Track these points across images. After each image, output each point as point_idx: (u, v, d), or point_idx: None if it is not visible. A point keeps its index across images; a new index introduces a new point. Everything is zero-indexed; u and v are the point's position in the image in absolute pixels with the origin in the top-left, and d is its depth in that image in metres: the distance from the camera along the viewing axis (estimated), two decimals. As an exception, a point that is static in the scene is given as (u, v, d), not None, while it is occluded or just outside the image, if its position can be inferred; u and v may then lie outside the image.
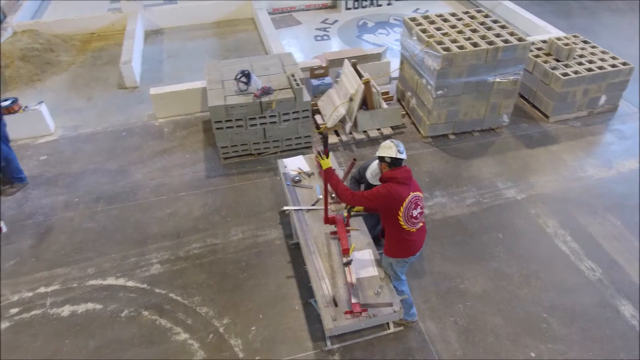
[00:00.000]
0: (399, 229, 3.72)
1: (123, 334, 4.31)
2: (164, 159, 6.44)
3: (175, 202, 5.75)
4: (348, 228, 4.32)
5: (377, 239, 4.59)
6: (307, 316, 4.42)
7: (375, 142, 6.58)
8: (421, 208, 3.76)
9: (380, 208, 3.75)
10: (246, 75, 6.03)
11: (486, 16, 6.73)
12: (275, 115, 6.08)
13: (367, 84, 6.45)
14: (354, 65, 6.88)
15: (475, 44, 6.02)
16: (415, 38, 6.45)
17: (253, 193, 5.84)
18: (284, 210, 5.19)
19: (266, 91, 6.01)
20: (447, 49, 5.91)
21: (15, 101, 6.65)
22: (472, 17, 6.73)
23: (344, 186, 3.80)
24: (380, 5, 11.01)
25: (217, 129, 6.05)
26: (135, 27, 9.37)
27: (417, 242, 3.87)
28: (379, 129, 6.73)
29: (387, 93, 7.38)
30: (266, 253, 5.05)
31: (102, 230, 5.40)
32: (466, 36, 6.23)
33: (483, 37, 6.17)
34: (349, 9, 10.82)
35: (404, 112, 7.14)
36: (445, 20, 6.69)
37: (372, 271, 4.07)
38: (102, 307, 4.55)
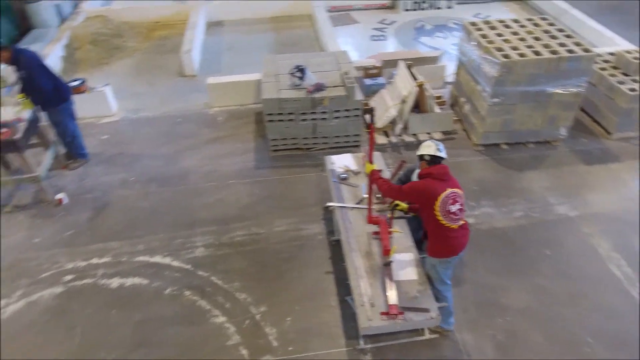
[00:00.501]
0: (439, 225, 3.70)
1: (165, 311, 4.50)
2: (215, 147, 6.64)
3: (224, 189, 5.92)
4: (391, 229, 4.31)
5: (420, 243, 4.56)
6: (343, 313, 4.45)
7: (424, 146, 6.50)
8: (461, 205, 3.74)
9: (416, 202, 3.90)
10: (301, 70, 6.11)
11: (551, 24, 6.50)
12: (326, 112, 6.14)
13: (421, 87, 6.39)
14: (408, 67, 6.83)
15: (537, 53, 5.83)
16: (474, 43, 6.33)
17: (299, 187, 5.92)
18: (328, 207, 5.23)
19: (319, 87, 6.07)
20: (506, 56, 5.76)
21: (83, 82, 7.06)
22: (536, 25, 6.52)
23: (384, 179, 4.02)
24: (439, 9, 10.85)
25: (269, 121, 6.17)
26: (198, 18, 9.69)
27: (459, 241, 3.83)
28: (429, 133, 6.65)
29: (440, 97, 7.27)
30: (307, 247, 5.11)
31: (154, 210, 5.64)
32: (528, 44, 6.04)
33: (546, 46, 5.97)
34: (408, 10, 10.72)
35: (456, 118, 7.01)
36: (507, 27, 6.52)
37: (412, 275, 4.04)
38: (147, 282, 4.77)
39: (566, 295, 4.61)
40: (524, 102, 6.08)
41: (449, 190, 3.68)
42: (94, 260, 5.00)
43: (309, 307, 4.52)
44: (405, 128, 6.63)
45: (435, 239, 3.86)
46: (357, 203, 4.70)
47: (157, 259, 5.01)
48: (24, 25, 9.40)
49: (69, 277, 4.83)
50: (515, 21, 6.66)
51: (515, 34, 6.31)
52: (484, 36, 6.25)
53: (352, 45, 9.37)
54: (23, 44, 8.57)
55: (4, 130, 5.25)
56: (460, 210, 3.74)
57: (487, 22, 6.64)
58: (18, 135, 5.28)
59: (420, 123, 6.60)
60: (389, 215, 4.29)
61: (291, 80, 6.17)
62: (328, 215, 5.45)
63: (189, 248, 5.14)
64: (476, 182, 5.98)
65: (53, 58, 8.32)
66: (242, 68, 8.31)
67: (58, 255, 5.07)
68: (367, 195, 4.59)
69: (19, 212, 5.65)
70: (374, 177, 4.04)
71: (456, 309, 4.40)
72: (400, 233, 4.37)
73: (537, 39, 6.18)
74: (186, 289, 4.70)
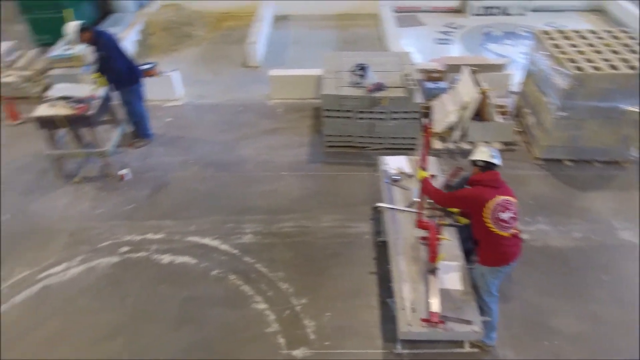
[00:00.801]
0: (491, 233, 3.62)
1: (210, 291, 4.66)
2: (272, 138, 6.78)
3: (277, 180, 6.03)
4: (440, 236, 4.23)
5: (469, 254, 4.46)
6: (383, 315, 4.43)
7: (482, 155, 6.33)
8: (513, 213, 3.63)
9: (467, 209, 3.85)
10: (363, 68, 6.11)
11: (632, 37, 6.13)
12: (384, 112, 6.11)
13: (484, 94, 6.22)
14: (473, 74, 6.66)
15: (613, 67, 5.52)
16: (545, 53, 6.08)
17: (350, 185, 5.94)
18: (378, 207, 5.22)
19: (379, 87, 6.05)
20: (579, 69, 5.49)
21: (154, 66, 7.38)
22: (615, 37, 6.17)
23: (435, 187, 4.01)
24: (510, 15, 10.48)
25: (326, 117, 6.22)
26: (266, 11, 9.89)
27: (512, 249, 3.72)
28: (488, 142, 6.46)
29: (503, 107, 7.02)
30: (353, 245, 5.12)
31: (208, 193, 5.84)
32: (604, 57, 5.73)
33: (624, 60, 5.64)
34: (477, 15, 10.44)
35: (518, 129, 6.77)
36: (583, 38, 6.21)
37: (457, 284, 3.96)
38: (196, 262, 4.95)
39: (622, 325, 4.36)
40: (593, 117, 5.78)
41: (500, 198, 3.60)
42: (149, 236, 5.25)
43: (349, 305, 4.53)
44: (463, 135, 6.48)
45: (486, 246, 3.77)
46: (408, 206, 4.65)
47: (207, 240, 5.19)
48: (105, 10, 9.97)
49: (125, 249, 5.10)
50: (592, 32, 6.34)
51: (590, 45, 6.01)
52: (556, 46, 5.99)
53: (416, 48, 9.23)
54: (103, 27, 9.10)
55: (79, 105, 5.60)
56: (513, 218, 3.64)
57: (561, 32, 6.36)
58: (92, 112, 5.62)
59: (479, 131, 6.43)
60: (439, 221, 4.23)
61: (352, 78, 6.18)
62: (377, 215, 5.43)
63: (238, 234, 5.28)
64: (533, 197, 5.75)
65: (128, 41, 8.77)
66: (305, 62, 8.41)
67: (117, 227, 5.37)
68: (418, 199, 4.54)
69: (86, 184, 6.01)
70: (425, 184, 4.02)
71: (500, 325, 4.27)
72: (449, 241, 4.28)
73: (614, 52, 5.86)
74: (232, 272, 4.84)
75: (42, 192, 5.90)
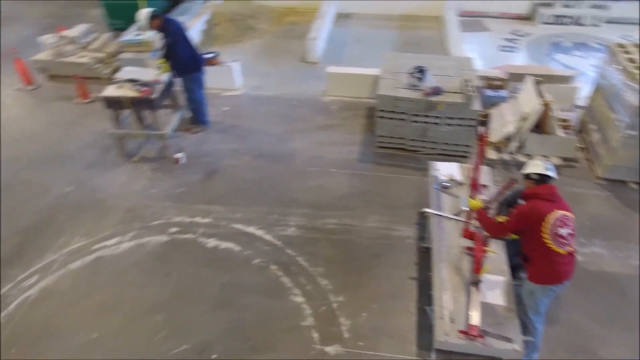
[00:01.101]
0: (547, 250, 3.47)
1: (250, 279, 4.76)
2: (324, 134, 6.82)
3: (325, 176, 6.06)
4: (486, 248, 4.12)
5: (515, 270, 4.30)
6: (419, 321, 4.36)
7: (539, 169, 6.09)
8: (572, 230, 3.48)
9: (525, 227, 3.62)
10: (421, 71, 6.02)
11: None
12: (439, 117, 5.99)
13: (546, 106, 5.97)
14: (536, 84, 6.41)
15: (694, 87, 5.15)
16: (618, 67, 5.75)
17: (398, 187, 5.88)
18: (424, 212, 5.14)
19: (437, 91, 5.94)
20: (655, 87, 5.16)
21: (217, 55, 7.62)
22: (699, 56, 5.74)
23: (492, 220, 3.79)
24: (583, 25, 9.98)
25: (380, 117, 6.18)
26: (329, 8, 9.93)
27: (567, 268, 3.57)
28: (546, 156, 6.20)
29: (566, 121, 6.71)
30: (396, 248, 5.08)
31: (257, 183, 5.96)
32: (685, 76, 5.35)
33: None
34: (546, 23, 10.01)
35: (580, 145, 6.46)
36: (663, 54, 5.82)
37: (500, 299, 3.83)
38: (240, 249, 5.07)
39: (677, 363, 4.08)
40: (666, 139, 5.42)
41: (558, 212, 3.47)
42: (197, 219, 5.42)
43: (387, 308, 4.49)
44: (520, 147, 6.25)
45: (539, 263, 3.62)
46: (455, 214, 4.55)
47: (252, 229, 5.30)
48: (176, -1, 10.37)
49: (174, 229, 5.30)
50: (673, 49, 5.93)
51: (671, 62, 5.63)
52: (631, 60, 5.65)
53: (478, 53, 8.97)
54: (171, 15, 9.47)
55: (144, 88, 5.86)
56: (571, 235, 3.50)
57: (637, 46, 5.99)
58: (155, 95, 5.86)
59: (538, 144, 6.18)
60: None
61: (409, 80, 6.10)
62: (422, 220, 5.35)
63: (283, 225, 5.35)
64: (591, 217, 5.47)
65: (194, 30, 9.08)
66: (363, 61, 8.38)
67: (169, 208, 5.58)
68: (467, 208, 4.43)
69: (144, 164, 6.30)
70: (480, 216, 3.87)
71: (543, 347, 4.10)
72: (496, 254, 4.15)
73: (696, 71, 5.45)
74: (273, 263, 4.92)
75: (104, 168, 6.24)
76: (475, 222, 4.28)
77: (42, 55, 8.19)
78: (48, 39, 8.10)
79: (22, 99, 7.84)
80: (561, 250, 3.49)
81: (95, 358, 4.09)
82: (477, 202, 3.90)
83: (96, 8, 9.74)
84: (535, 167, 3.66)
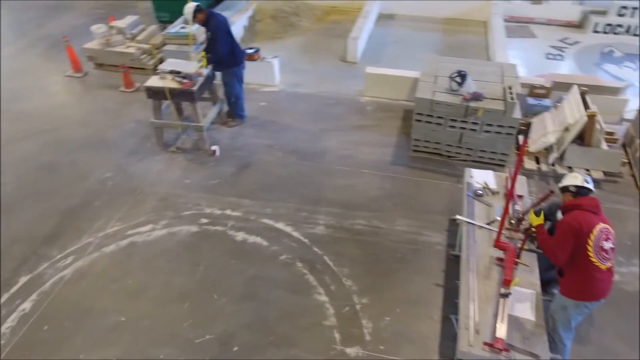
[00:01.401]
0: (588, 264, 3.36)
1: (276, 274, 4.80)
2: (358, 134, 6.79)
3: (356, 176, 6.04)
4: (517, 260, 4.00)
5: (547, 284, 4.17)
6: (443, 330, 4.29)
7: (579, 182, 5.87)
8: (612, 244, 3.37)
9: (574, 241, 3.46)
10: (462, 76, 5.91)
11: None
12: (477, 124, 5.87)
13: (591, 117, 5.74)
14: (582, 94, 6.18)
15: None
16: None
17: (430, 192, 5.79)
18: (455, 219, 5.05)
19: (476, 97, 5.81)
20: None
21: (257, 51, 7.72)
22: None
23: (551, 239, 3.59)
24: (636, 35, 9.53)
25: (417, 120, 6.10)
26: (372, 8, 9.87)
27: (605, 285, 3.46)
28: (588, 170, 5.97)
29: (612, 134, 6.46)
30: (424, 253, 5.01)
31: (288, 179, 6.00)
32: None
33: None
34: (598, 32, 9.62)
35: (625, 160, 6.18)
36: None
37: (529, 314, 3.71)
38: (267, 244, 5.11)
39: None
40: None
41: (601, 225, 3.38)
42: (228, 212, 5.51)
43: (410, 313, 4.44)
44: (560, 158, 6.04)
45: (577, 277, 3.50)
46: (488, 223, 4.44)
47: (280, 225, 5.34)
48: (222, -6, 10.55)
49: (204, 220, 5.40)
50: None
51: None
52: (687, 75, 5.36)
53: (523, 60, 8.74)
54: (217, 10, 9.62)
55: (185, 80, 5.99)
56: (612, 250, 3.39)
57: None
58: (195, 88, 5.99)
59: (580, 156, 5.95)
60: (519, 245, 3.99)
61: (449, 84, 6.00)
62: (453, 227, 5.26)
63: (311, 223, 5.37)
64: (632, 236, 5.23)
65: (237, 26, 9.21)
66: (403, 63, 8.30)
67: (201, 199, 5.70)
68: (499, 218, 4.32)
69: (180, 154, 6.44)
70: (540, 233, 3.70)
71: (571, 366, 3.97)
72: (527, 267, 4.03)
73: None
74: (299, 260, 4.94)
75: (143, 156, 6.42)
76: (506, 232, 4.18)
77: (92, 44, 8.50)
78: (98, 28, 8.40)
79: (71, 85, 8.17)
80: (602, 266, 3.38)
81: (122, 340, 4.22)
82: (538, 218, 3.77)
83: (146, 0, 10.01)
84: (574, 179, 3.58)
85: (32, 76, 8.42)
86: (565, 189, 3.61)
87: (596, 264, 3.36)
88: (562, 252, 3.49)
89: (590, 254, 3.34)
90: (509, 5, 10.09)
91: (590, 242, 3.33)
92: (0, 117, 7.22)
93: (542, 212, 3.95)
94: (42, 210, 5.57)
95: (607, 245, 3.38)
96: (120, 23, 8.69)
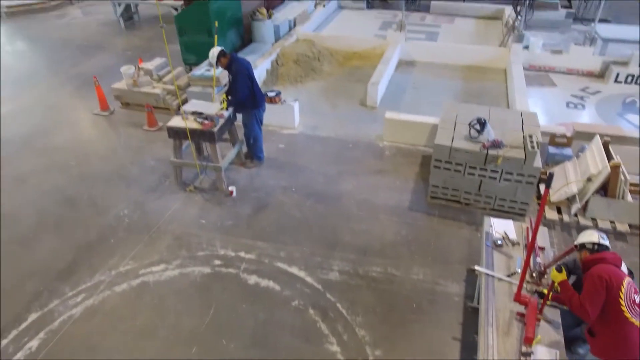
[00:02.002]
0: (621, 320, 3.22)
1: (287, 320, 4.67)
2: (376, 179, 6.75)
3: (373, 221, 5.96)
4: (539, 316, 3.83)
5: (571, 343, 3.96)
6: (460, 388, 4.08)
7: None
8: None
9: (604, 295, 3.35)
10: (481, 123, 5.88)
11: None
12: (497, 172, 5.78)
13: (615, 168, 5.61)
14: (605, 144, 6.07)
15: None
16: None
17: (448, 240, 5.66)
18: (474, 270, 4.90)
19: (496, 144, 5.75)
20: None
21: (278, 94, 7.86)
22: None
23: (577, 297, 3.48)
24: (661, 86, 9.45)
25: (435, 167, 6.05)
26: (392, 55, 10.06)
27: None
28: (612, 222, 5.78)
29: (636, 185, 6.28)
30: (440, 304, 4.83)
31: (304, 222, 5.95)
32: None
33: None
34: (619, 82, 9.56)
35: (652, 213, 5.98)
36: None
37: (552, 375, 3.52)
38: (279, 289, 5.01)
39: None
40: None
41: (628, 279, 3.29)
42: (241, 254, 5.46)
43: (426, 368, 4.25)
44: (583, 209, 5.88)
45: (610, 335, 3.33)
46: (508, 275, 4.29)
47: (294, 270, 5.25)
48: (247, 38, 10.90)
49: (218, 262, 5.35)
50: None
51: None
52: None
53: (543, 108, 8.71)
54: (242, 54, 9.95)
55: (206, 122, 6.11)
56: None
57: None
58: (215, 129, 6.09)
59: (603, 208, 5.78)
60: (541, 301, 3.83)
61: (468, 131, 5.97)
62: (471, 278, 5.09)
63: (325, 268, 5.27)
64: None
65: (261, 69, 9.47)
66: (422, 109, 8.36)
67: (215, 239, 5.67)
68: (520, 271, 4.18)
69: (197, 193, 6.48)
70: (564, 289, 3.60)
71: None
72: (550, 324, 3.85)
73: None
74: (312, 307, 4.82)
75: (161, 194, 6.48)
76: (528, 286, 4.02)
77: (120, 84, 8.80)
78: (128, 69, 8.71)
79: (97, 123, 8.41)
80: (636, 322, 3.21)
81: (127, 383, 4.12)
82: (561, 274, 3.64)
83: (174, 44, 10.41)
84: (590, 236, 3.56)
85: (61, 113, 8.72)
86: (582, 247, 3.58)
87: (630, 319, 3.21)
88: (593, 307, 3.35)
89: (623, 308, 3.21)
90: (529, 54, 10.16)
91: (622, 296, 3.22)
92: (27, 151, 7.44)
93: (563, 267, 3.80)
94: (59, 244, 5.61)
95: (638, 298, 3.26)
96: (149, 65, 9.01)
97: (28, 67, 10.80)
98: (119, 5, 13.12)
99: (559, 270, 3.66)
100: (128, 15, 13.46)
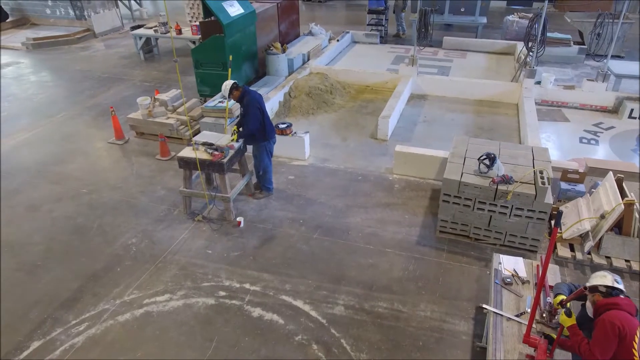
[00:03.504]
0: None
1: (289, 356, 4.57)
2: (384, 212, 6.71)
3: (380, 255, 5.89)
4: (549, 359, 3.69)
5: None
6: None
7: (617, 273, 5.49)
8: None
9: (617, 343, 3.22)
10: (491, 158, 5.84)
11: None
12: (507, 207, 5.70)
13: (629, 206, 5.49)
14: (618, 181, 5.97)
15: None
16: None
17: (456, 276, 5.55)
18: (482, 308, 4.77)
19: (506, 180, 5.70)
20: None
21: (289, 126, 7.95)
22: None
23: (587, 343, 3.36)
24: (676, 122, 9.32)
25: (444, 201, 6.00)
26: (404, 89, 10.14)
27: None
28: (627, 261, 5.62)
29: (654, 224, 6.13)
30: (447, 343, 4.69)
31: (310, 255, 5.90)
32: None
33: None
34: (634, 118, 9.46)
35: (670, 253, 5.80)
36: None
37: (562, 423, 3.36)
38: (283, 323, 4.93)
39: None
40: None
41: None
42: (246, 285, 5.41)
43: (431, 411, 4.09)
44: (597, 247, 5.74)
45: None
46: (517, 315, 4.17)
47: (299, 303, 5.17)
48: (261, 71, 11.13)
49: (222, 293, 5.30)
50: None
51: None
52: None
53: (555, 144, 8.64)
54: (256, 86, 10.14)
55: (217, 153, 6.18)
56: None
57: None
58: (225, 160, 6.15)
59: (618, 246, 5.64)
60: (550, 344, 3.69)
61: (478, 166, 5.93)
62: (480, 316, 4.96)
63: (330, 303, 5.19)
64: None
65: (273, 101, 9.61)
66: (433, 143, 8.35)
67: (221, 270, 5.64)
68: (530, 310, 4.06)
69: (205, 223, 6.50)
70: (571, 333, 3.49)
71: None
72: (559, 367, 3.71)
73: None
74: (315, 342, 4.72)
75: (169, 223, 6.51)
76: (537, 326, 3.89)
77: (135, 114, 9.00)
78: (144, 100, 8.92)
79: (111, 152, 8.57)
80: None
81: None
82: (570, 319, 3.52)
83: (189, 75, 10.69)
84: (603, 279, 3.42)
85: (77, 141, 8.92)
86: (594, 289, 3.43)
87: None
88: (603, 356, 3.23)
89: (636, 359, 3.06)
90: (542, 89, 10.17)
91: (635, 346, 3.09)
92: (41, 179, 7.59)
93: (573, 312, 3.68)
94: (65, 273, 5.64)
95: None
96: (164, 96, 9.22)
97: (49, 96, 11.14)
98: (140, 38, 13.56)
99: (569, 314, 3.54)
100: (148, 48, 13.88)
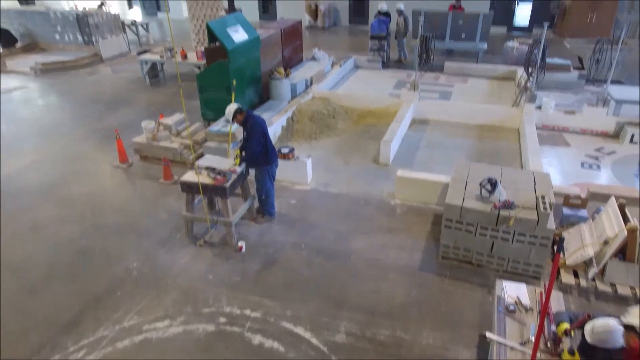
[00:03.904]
0: None
1: (291, 384, 4.52)
2: (386, 237, 6.69)
3: (382, 280, 5.85)
4: (553, 390, 3.63)
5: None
6: None
7: (623, 300, 5.46)
8: None
9: None
10: (492, 183, 5.85)
11: None
12: (509, 233, 5.68)
13: (632, 232, 5.47)
14: (621, 206, 5.95)
15: None
16: None
17: (459, 302, 5.50)
18: (485, 336, 4.71)
19: (508, 205, 5.69)
20: None
21: (292, 150, 8.01)
22: None
23: None
24: (678, 147, 9.34)
25: (446, 226, 5.99)
26: (406, 113, 10.23)
27: None
28: (633, 288, 5.56)
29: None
30: (450, 372, 4.63)
31: (312, 281, 5.86)
32: None
33: None
34: (635, 143, 9.49)
35: (676, 280, 5.74)
36: None
37: None
38: (283, 351, 4.87)
39: None
40: None
41: None
42: (247, 312, 5.37)
43: None
44: (601, 274, 5.69)
45: None
46: (521, 343, 4.11)
47: (299, 330, 5.12)
48: (265, 95, 11.26)
49: (223, 320, 5.26)
50: None
51: None
52: None
53: (557, 169, 8.65)
54: (259, 110, 10.25)
55: (219, 177, 6.22)
56: None
57: None
58: (227, 184, 6.18)
59: (623, 273, 5.59)
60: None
61: (479, 192, 5.94)
62: (483, 344, 4.88)
63: (332, 329, 5.13)
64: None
65: (276, 125, 9.71)
66: (435, 167, 8.38)
67: (222, 295, 5.61)
68: (533, 339, 4.01)
69: (207, 248, 6.50)
70: None
71: None
72: (564, 399, 3.64)
73: None
74: (316, 370, 4.67)
75: (171, 246, 6.51)
76: (542, 355, 3.84)
77: (140, 138, 9.09)
78: (148, 124, 9.02)
79: (115, 175, 8.64)
80: None
81: None
82: (573, 357, 3.45)
83: (196, 99, 10.82)
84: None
85: (82, 164, 9.00)
86: (629, 328, 3.17)
87: None
88: None
89: None
90: (542, 114, 10.23)
91: None
92: (46, 202, 7.63)
93: (577, 350, 3.62)
94: (66, 296, 5.62)
95: None
96: (169, 120, 9.32)
97: (55, 120, 11.29)
98: (146, 63, 13.80)
99: (572, 353, 3.48)
100: (154, 73, 14.11)
